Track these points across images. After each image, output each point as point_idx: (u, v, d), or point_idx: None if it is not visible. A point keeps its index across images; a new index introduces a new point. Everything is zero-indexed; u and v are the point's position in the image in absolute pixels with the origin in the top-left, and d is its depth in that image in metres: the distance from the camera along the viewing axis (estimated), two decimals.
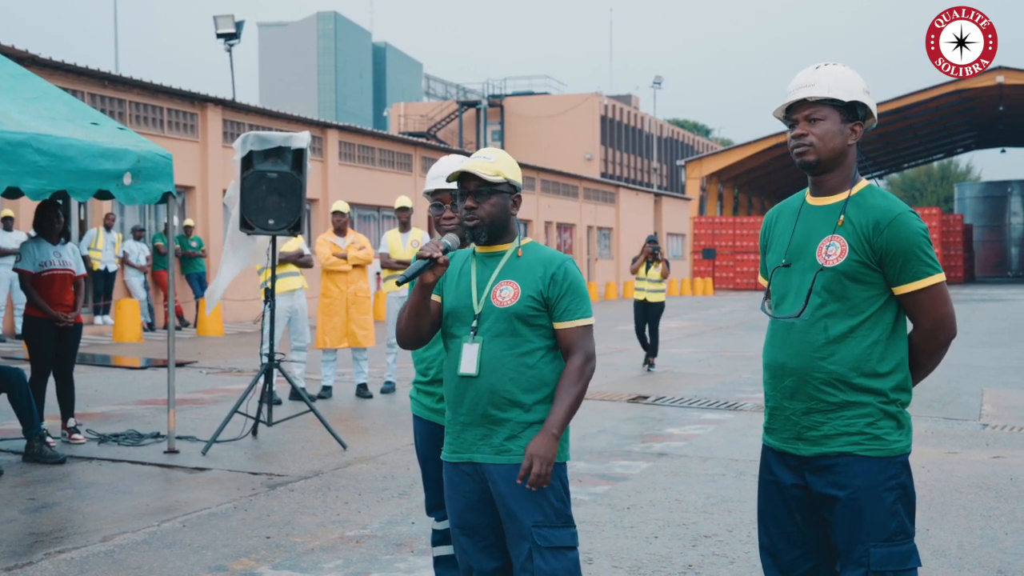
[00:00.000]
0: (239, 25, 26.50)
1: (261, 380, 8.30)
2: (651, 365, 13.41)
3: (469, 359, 3.23)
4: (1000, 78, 42.94)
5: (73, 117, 7.09)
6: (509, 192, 3.30)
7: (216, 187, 20.55)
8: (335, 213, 10.56)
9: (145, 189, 7.11)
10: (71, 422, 8.05)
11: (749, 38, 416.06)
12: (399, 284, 3.17)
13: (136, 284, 18.53)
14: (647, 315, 13.46)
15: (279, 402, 9.78)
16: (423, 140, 37.17)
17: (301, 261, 10.12)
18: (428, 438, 3.86)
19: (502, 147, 54.57)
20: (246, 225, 7.96)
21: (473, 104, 56.62)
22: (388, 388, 10.83)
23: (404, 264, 10.13)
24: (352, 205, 23.14)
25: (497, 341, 3.21)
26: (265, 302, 8.84)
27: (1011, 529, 5.69)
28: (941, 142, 66.22)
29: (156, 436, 8.17)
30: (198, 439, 8.06)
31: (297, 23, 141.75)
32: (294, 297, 10.15)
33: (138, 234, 18.76)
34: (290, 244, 9.92)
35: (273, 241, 8.44)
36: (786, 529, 3.14)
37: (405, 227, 10.50)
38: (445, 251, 3.22)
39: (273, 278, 8.53)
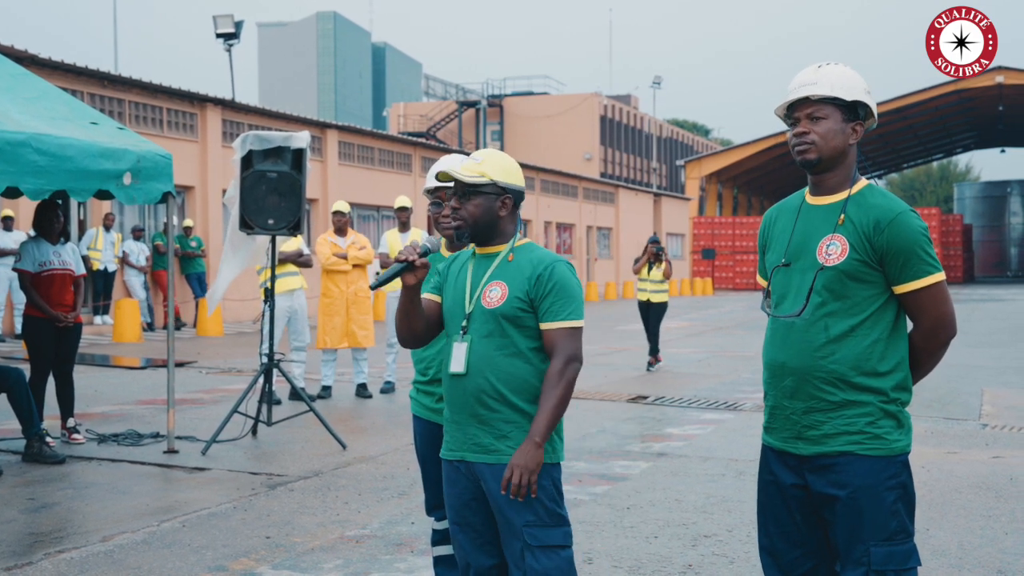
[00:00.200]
0: (238, 25, 26.50)
1: (261, 380, 8.29)
2: (652, 364, 13.42)
3: (458, 358, 3.26)
4: (1000, 78, 42.96)
5: (73, 117, 7.08)
6: (496, 193, 3.29)
7: (216, 187, 20.55)
8: (336, 213, 10.56)
9: (145, 189, 7.11)
10: (71, 422, 8.05)
11: (749, 38, 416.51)
12: (372, 289, 3.20)
13: (136, 284, 18.53)
14: (650, 315, 13.50)
15: (279, 402, 9.78)
16: (423, 140, 37.16)
17: (300, 261, 10.12)
18: (428, 438, 3.86)
19: (501, 147, 54.66)
20: (246, 225, 7.96)
21: (473, 104, 56.62)
22: (388, 388, 10.83)
23: None
24: (352, 205, 23.12)
25: (486, 341, 3.23)
26: (265, 302, 8.84)
27: (1011, 529, 5.69)
28: (941, 142, 66.24)
29: (156, 436, 8.17)
30: (198, 439, 8.06)
31: (297, 23, 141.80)
32: (294, 297, 10.15)
33: (138, 234, 18.75)
34: (289, 244, 9.92)
35: (273, 241, 8.43)
36: (786, 529, 3.14)
37: (405, 227, 10.49)
38: (424, 254, 3.24)
39: (273, 278, 8.53)
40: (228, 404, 9.26)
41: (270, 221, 7.92)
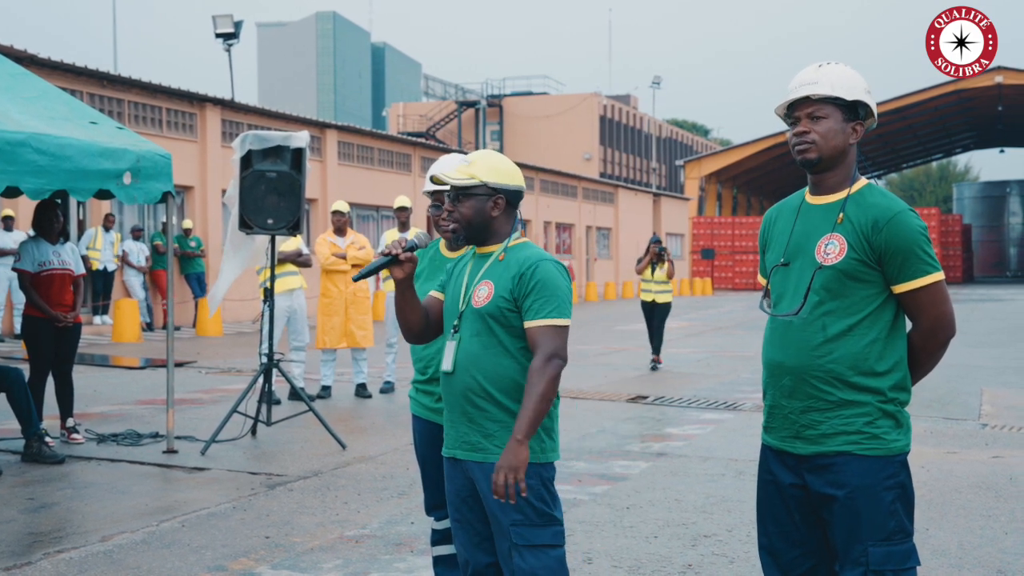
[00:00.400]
0: (238, 25, 26.49)
1: (260, 380, 8.29)
2: (657, 363, 13.46)
3: (448, 356, 3.29)
4: (999, 78, 42.97)
5: (72, 117, 7.08)
6: (487, 194, 3.30)
7: (215, 187, 20.55)
8: (335, 213, 10.56)
9: (144, 189, 7.10)
10: (70, 422, 8.04)
11: (749, 38, 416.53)
12: (355, 280, 3.27)
13: (135, 284, 18.53)
14: (654, 315, 13.53)
15: (278, 402, 9.78)
16: (422, 140, 37.15)
17: (300, 261, 10.12)
18: (427, 437, 3.86)
19: (500, 147, 54.67)
20: (245, 225, 7.96)
21: (472, 104, 56.60)
22: (387, 388, 10.83)
23: None
24: (351, 205, 23.10)
25: (474, 340, 3.24)
26: (264, 302, 8.84)
27: (1011, 529, 5.69)
28: (940, 142, 66.24)
29: (155, 436, 8.17)
30: (197, 439, 8.06)
31: (296, 23, 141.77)
32: (293, 297, 10.14)
33: (137, 234, 18.75)
34: (289, 244, 9.92)
35: (272, 241, 8.43)
36: (785, 528, 3.14)
37: (404, 227, 10.49)
38: (411, 249, 3.26)
39: (272, 278, 8.53)
40: (227, 404, 9.25)
41: (269, 221, 7.92)
